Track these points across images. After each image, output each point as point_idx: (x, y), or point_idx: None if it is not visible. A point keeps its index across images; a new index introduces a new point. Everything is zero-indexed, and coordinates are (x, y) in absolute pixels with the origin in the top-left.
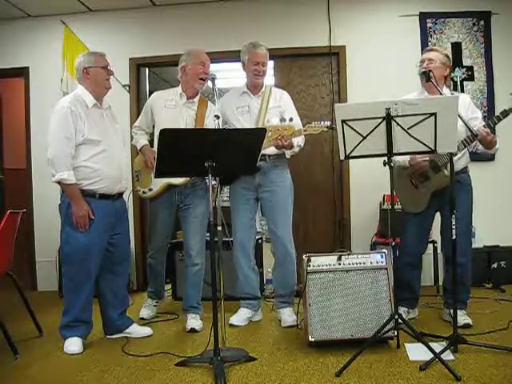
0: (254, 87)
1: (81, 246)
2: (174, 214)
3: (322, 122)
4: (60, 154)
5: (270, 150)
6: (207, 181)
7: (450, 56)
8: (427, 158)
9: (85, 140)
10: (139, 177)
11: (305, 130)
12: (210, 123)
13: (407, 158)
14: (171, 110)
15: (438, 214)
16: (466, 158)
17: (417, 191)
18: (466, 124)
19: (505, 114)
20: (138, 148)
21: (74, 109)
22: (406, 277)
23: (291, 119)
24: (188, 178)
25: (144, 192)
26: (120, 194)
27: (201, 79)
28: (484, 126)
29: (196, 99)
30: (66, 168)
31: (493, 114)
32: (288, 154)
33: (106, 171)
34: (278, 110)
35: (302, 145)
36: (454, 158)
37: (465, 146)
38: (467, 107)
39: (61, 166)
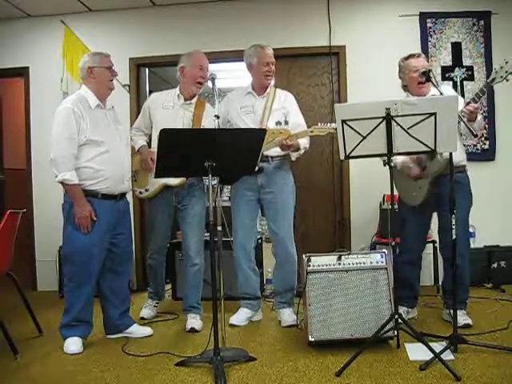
0: (261, 88)
1: (82, 245)
2: (172, 215)
3: (329, 124)
4: (63, 154)
5: (272, 151)
6: (204, 181)
7: (450, 56)
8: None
9: (87, 140)
10: (136, 177)
11: (311, 131)
12: (208, 125)
13: (399, 162)
14: (169, 111)
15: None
16: (461, 153)
17: (415, 183)
18: (466, 125)
19: (482, 91)
20: (136, 149)
21: (76, 109)
22: (406, 275)
23: (287, 123)
24: (184, 179)
25: (141, 192)
26: (123, 195)
27: (198, 83)
28: (468, 102)
29: (193, 101)
30: (69, 168)
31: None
32: (294, 156)
33: (108, 172)
34: (282, 111)
35: (308, 146)
36: None
37: None
38: None
39: (63, 167)
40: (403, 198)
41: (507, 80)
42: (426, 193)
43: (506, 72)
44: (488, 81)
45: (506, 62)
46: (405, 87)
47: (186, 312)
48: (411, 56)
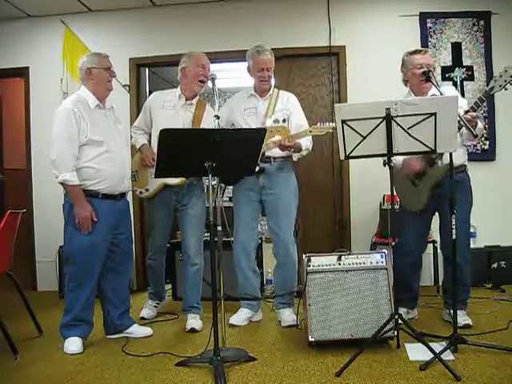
0: (261, 91)
1: (83, 245)
2: (171, 215)
3: (328, 124)
4: (63, 155)
5: (274, 152)
6: (204, 181)
7: (450, 56)
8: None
9: (87, 141)
10: (136, 177)
11: (310, 131)
12: (208, 126)
13: (400, 160)
14: (169, 111)
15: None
16: (463, 155)
17: (416, 189)
18: (466, 125)
19: (481, 100)
20: (137, 147)
21: (76, 110)
22: (406, 276)
23: (284, 120)
24: (184, 179)
25: (141, 192)
26: (123, 194)
27: (200, 82)
28: (467, 111)
29: (194, 101)
30: (69, 169)
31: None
32: (295, 156)
33: (108, 172)
34: (284, 112)
35: (310, 148)
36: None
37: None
38: None
39: (64, 167)
40: (404, 204)
41: (506, 89)
42: (426, 198)
43: (505, 81)
44: (487, 89)
45: (506, 71)
46: (405, 82)
47: (186, 312)
48: (417, 51)
